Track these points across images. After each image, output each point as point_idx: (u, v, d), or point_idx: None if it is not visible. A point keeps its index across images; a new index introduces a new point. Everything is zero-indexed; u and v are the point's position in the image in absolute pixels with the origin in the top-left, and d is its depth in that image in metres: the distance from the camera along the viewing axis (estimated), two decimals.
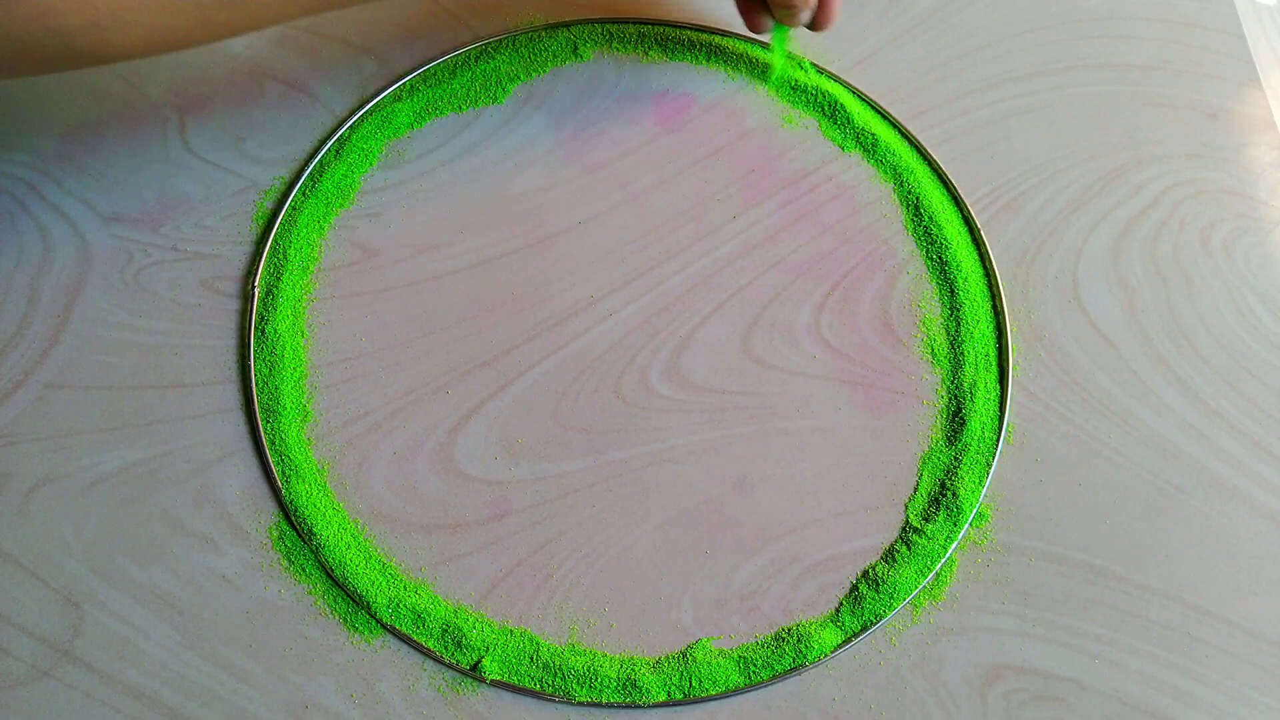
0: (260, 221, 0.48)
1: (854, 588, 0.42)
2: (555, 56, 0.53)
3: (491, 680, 0.40)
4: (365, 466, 0.43)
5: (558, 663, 0.40)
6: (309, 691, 0.39)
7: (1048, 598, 0.41)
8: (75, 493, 0.42)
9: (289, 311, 0.45)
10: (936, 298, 0.47)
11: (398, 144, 0.50)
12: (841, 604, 0.41)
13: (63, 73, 0.51)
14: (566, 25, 0.53)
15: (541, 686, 0.40)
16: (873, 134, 0.50)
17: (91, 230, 0.47)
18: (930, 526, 0.42)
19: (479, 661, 0.40)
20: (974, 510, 0.43)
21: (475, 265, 0.47)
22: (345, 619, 0.41)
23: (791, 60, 0.53)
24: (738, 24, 0.54)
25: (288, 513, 0.42)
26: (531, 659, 0.40)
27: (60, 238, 0.47)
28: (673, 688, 0.40)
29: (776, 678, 0.40)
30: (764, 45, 0.53)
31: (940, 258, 0.48)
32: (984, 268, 0.48)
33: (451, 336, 0.46)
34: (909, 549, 0.42)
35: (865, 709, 0.40)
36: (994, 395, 0.45)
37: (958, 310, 0.47)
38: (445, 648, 0.40)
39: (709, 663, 0.40)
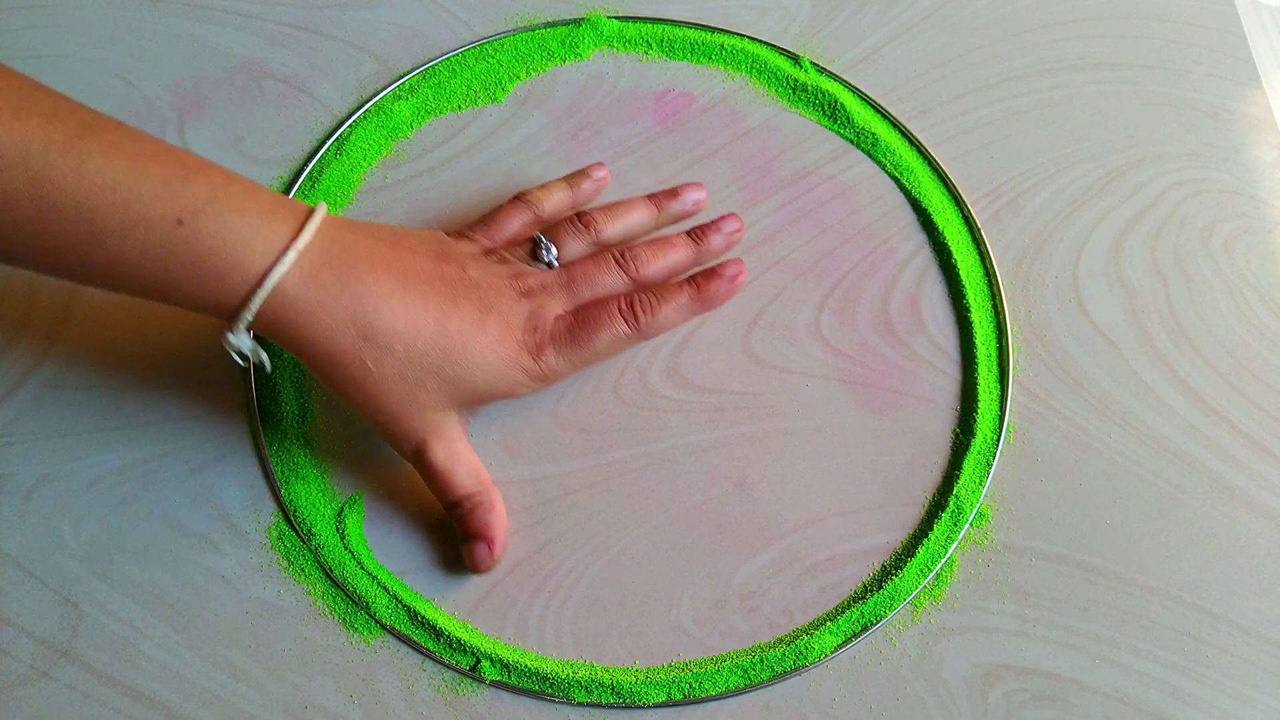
0: None
1: (854, 588, 0.42)
2: (555, 56, 0.53)
3: (491, 681, 0.40)
4: (365, 467, 0.43)
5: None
6: (309, 691, 0.39)
7: (1048, 598, 0.41)
8: (74, 493, 0.42)
9: None
10: (936, 297, 0.47)
11: (398, 144, 0.50)
12: (841, 604, 0.41)
13: (63, 74, 0.51)
14: (566, 25, 0.53)
15: (541, 687, 0.40)
16: (873, 134, 0.50)
17: None
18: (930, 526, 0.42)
19: (478, 662, 0.40)
20: (974, 510, 0.43)
21: None
22: (345, 619, 0.40)
23: (790, 59, 0.53)
24: (737, 24, 0.54)
25: (287, 513, 0.42)
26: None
27: None
28: (672, 688, 0.40)
29: (776, 678, 0.40)
30: None
31: (940, 258, 0.48)
32: (984, 267, 0.48)
33: None
34: (909, 549, 0.42)
35: (865, 709, 0.39)
36: (994, 395, 0.45)
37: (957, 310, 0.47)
38: (445, 648, 0.40)
39: (709, 663, 0.40)
